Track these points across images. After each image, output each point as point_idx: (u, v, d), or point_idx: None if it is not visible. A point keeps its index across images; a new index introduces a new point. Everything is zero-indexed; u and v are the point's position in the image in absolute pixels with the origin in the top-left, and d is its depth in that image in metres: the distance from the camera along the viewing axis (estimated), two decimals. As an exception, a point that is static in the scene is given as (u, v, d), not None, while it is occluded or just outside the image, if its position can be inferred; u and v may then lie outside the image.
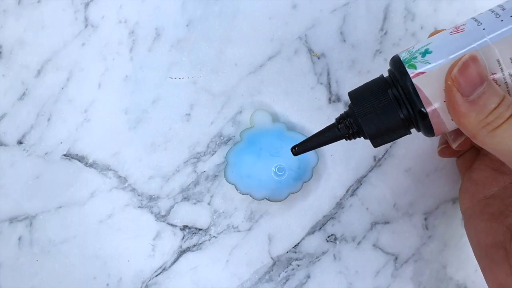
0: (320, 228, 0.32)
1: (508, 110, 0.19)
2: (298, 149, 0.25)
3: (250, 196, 0.30)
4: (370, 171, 0.32)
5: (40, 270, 0.31)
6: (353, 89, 0.23)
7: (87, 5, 0.31)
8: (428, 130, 0.22)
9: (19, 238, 0.31)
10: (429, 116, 0.21)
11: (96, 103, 0.31)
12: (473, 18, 0.21)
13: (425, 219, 0.32)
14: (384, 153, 0.32)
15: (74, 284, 0.31)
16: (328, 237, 0.32)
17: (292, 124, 0.31)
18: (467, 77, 0.20)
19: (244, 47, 0.31)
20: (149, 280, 0.31)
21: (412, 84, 0.21)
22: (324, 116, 0.31)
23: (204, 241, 0.31)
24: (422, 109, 0.21)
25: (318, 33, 0.31)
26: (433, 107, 0.21)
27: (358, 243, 0.32)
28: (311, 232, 0.32)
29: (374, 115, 0.22)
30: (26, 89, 0.31)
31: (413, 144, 0.31)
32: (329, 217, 0.32)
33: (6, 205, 0.31)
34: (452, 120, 0.21)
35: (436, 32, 0.23)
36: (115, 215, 0.31)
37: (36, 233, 0.31)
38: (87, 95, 0.31)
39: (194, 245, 0.31)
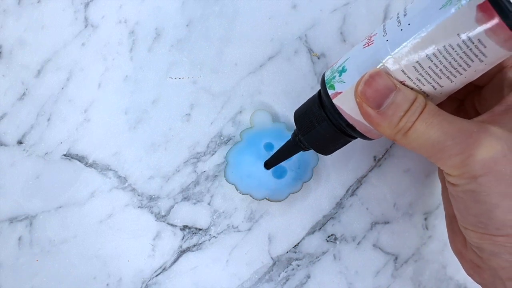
0: (320, 228, 0.32)
1: (415, 114, 0.21)
2: (269, 164, 0.29)
3: (250, 196, 0.30)
4: (370, 171, 0.32)
5: (40, 270, 0.31)
6: (297, 108, 0.26)
7: (87, 5, 0.31)
8: (363, 137, 0.24)
9: (19, 238, 0.31)
10: (357, 127, 0.23)
11: (96, 103, 0.31)
12: (383, 26, 0.22)
13: (425, 219, 0.32)
14: (384, 153, 0.32)
15: (74, 284, 0.31)
16: (328, 237, 0.32)
17: (292, 124, 0.31)
18: (373, 92, 0.21)
19: (244, 47, 0.31)
20: (149, 280, 0.31)
21: (333, 104, 0.23)
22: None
23: (204, 241, 0.31)
24: (348, 123, 0.23)
25: (318, 33, 0.31)
26: (356, 120, 0.23)
27: (358, 243, 0.32)
28: (311, 232, 0.32)
29: (314, 132, 0.24)
30: (26, 89, 0.31)
31: (413, 144, 0.31)
32: (329, 217, 0.32)
33: (6, 205, 0.31)
34: None
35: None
36: (115, 215, 0.31)
37: (36, 233, 0.31)
38: (87, 95, 0.31)
39: (194, 245, 0.31)
